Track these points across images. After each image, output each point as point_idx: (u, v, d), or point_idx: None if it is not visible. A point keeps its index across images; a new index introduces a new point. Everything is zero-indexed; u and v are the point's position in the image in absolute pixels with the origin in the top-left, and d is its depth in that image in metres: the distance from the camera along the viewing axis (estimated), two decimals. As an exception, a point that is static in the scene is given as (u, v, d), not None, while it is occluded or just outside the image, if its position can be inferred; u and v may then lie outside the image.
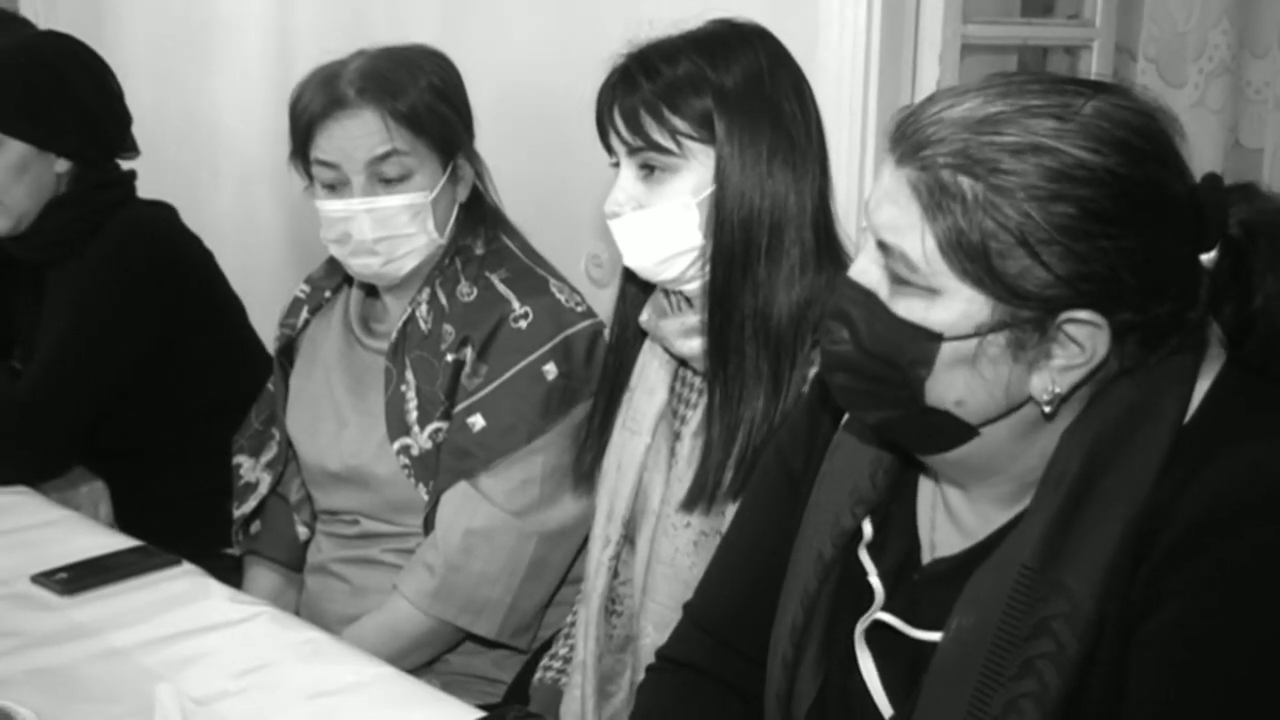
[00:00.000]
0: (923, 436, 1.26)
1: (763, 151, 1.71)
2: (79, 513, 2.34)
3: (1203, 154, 3.20)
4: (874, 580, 1.35)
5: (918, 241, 1.16)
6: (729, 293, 1.72)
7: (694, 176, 1.73)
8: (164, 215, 2.65)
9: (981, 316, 1.16)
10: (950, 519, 1.34)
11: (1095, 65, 2.92)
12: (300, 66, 2.22)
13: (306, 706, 1.67)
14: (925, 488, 1.38)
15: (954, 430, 1.23)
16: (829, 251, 1.76)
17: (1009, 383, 1.19)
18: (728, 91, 1.71)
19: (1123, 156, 1.13)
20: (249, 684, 1.71)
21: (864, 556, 1.37)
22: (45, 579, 1.97)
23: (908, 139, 1.19)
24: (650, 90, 1.71)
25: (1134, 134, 1.15)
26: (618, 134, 1.75)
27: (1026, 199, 1.12)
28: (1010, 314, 1.15)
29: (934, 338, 1.18)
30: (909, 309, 1.19)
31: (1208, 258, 1.19)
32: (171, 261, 2.57)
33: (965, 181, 1.14)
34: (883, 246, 1.20)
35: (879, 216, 1.21)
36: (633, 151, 1.74)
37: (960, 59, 2.60)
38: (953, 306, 1.17)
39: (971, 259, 1.14)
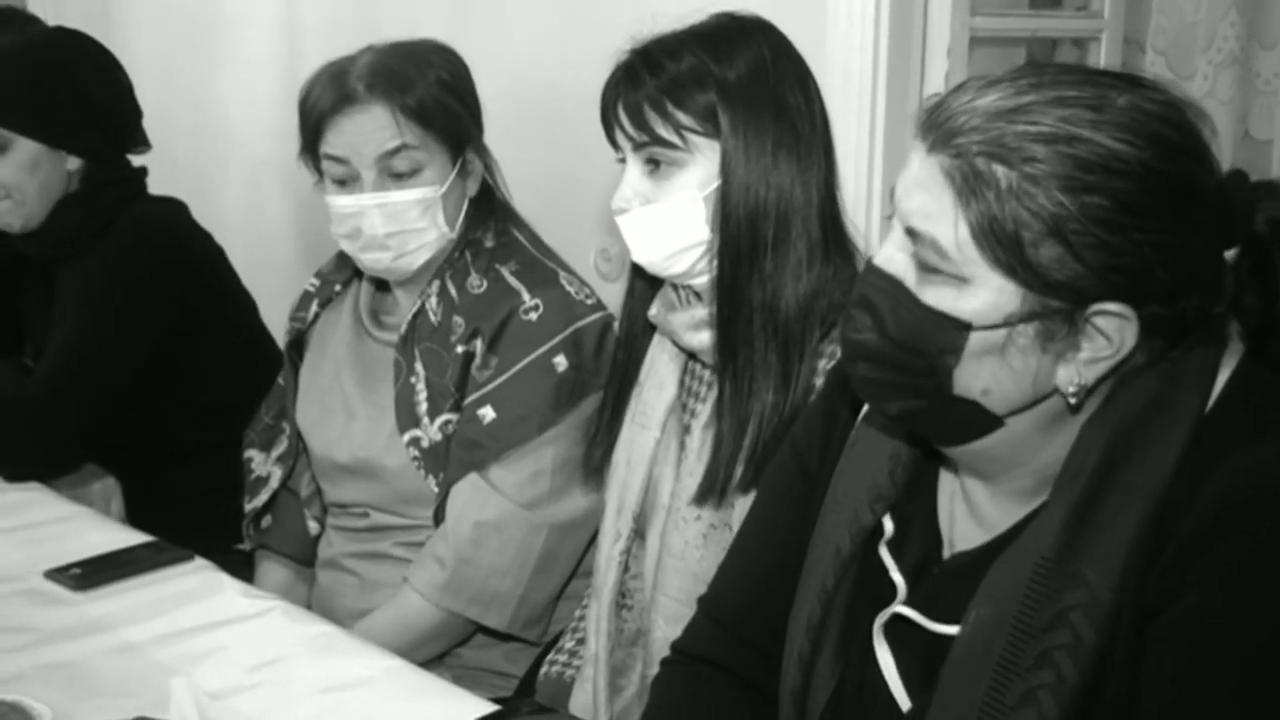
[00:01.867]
0: (946, 427, 1.26)
1: (767, 144, 1.71)
2: (91, 509, 2.34)
3: (1212, 146, 3.20)
4: (895, 576, 1.35)
5: (950, 228, 1.16)
6: (736, 286, 1.72)
7: (700, 171, 1.73)
8: (174, 211, 2.65)
9: (1011, 306, 1.16)
10: (970, 513, 1.34)
11: (1104, 57, 2.92)
12: (308, 63, 2.23)
13: (319, 700, 1.67)
14: (945, 483, 1.38)
15: (979, 420, 1.22)
16: (836, 243, 1.76)
17: (1037, 373, 1.18)
18: (731, 85, 1.71)
19: (1157, 150, 1.13)
20: (262, 678, 1.71)
21: (884, 553, 1.37)
22: (59, 575, 1.97)
23: (939, 127, 1.18)
24: (654, 85, 1.71)
25: (1168, 127, 1.15)
26: (623, 130, 1.75)
27: (1060, 188, 1.12)
28: (1040, 304, 1.15)
29: (963, 327, 1.17)
30: (937, 297, 1.18)
31: (1229, 254, 1.19)
32: (182, 258, 2.57)
33: (999, 169, 1.14)
34: (912, 233, 1.20)
35: (908, 203, 1.20)
36: (638, 147, 1.75)
37: (969, 51, 2.60)
38: (982, 295, 1.16)
39: (1004, 247, 1.14)
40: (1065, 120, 1.13)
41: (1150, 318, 1.16)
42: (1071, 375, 1.18)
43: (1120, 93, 1.15)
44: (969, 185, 1.15)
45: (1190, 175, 1.15)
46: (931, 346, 1.19)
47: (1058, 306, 1.15)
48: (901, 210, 1.21)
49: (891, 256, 1.23)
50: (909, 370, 1.21)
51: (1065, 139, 1.13)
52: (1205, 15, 3.20)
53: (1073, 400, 1.19)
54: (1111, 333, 1.16)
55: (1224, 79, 3.20)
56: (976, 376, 1.19)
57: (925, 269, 1.19)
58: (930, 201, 1.18)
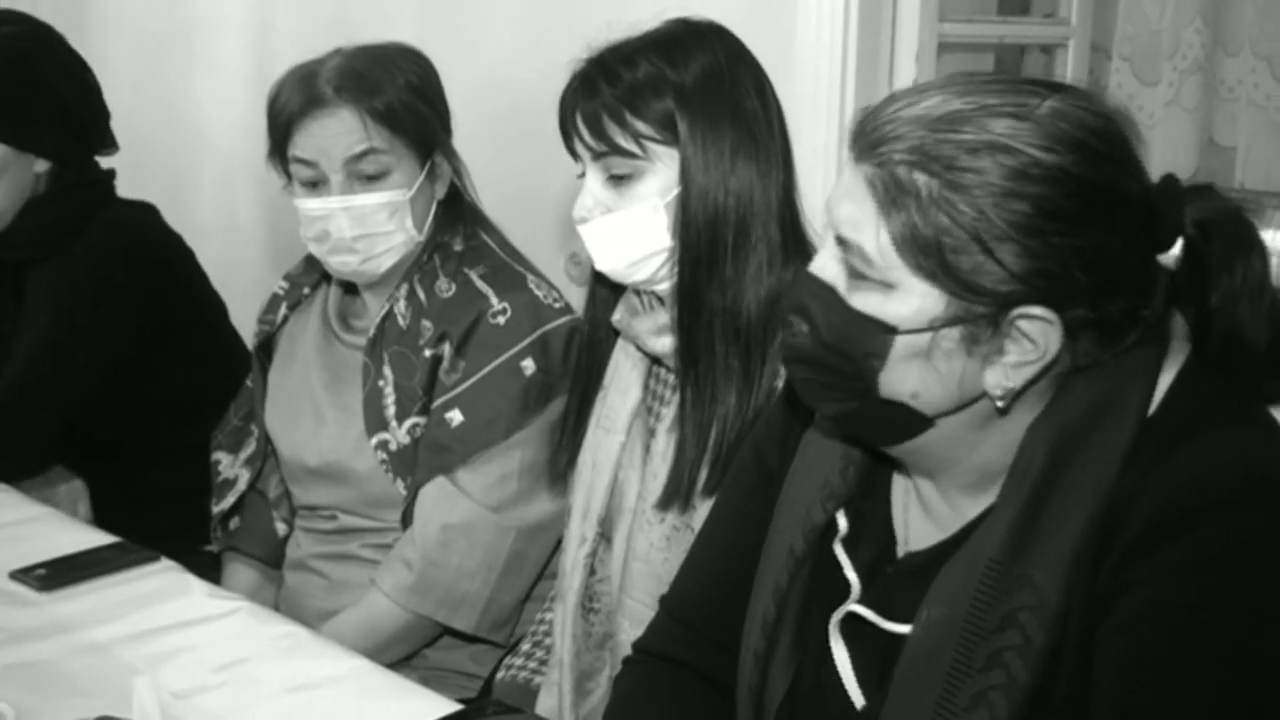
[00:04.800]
0: (880, 428, 1.28)
1: (725, 149, 1.72)
2: (58, 510, 2.33)
3: (1177, 152, 3.23)
4: (850, 574, 1.36)
5: (873, 236, 1.18)
6: (697, 292, 1.72)
7: (659, 179, 1.73)
8: (146, 215, 2.65)
9: (936, 311, 1.18)
10: (924, 512, 1.36)
11: (1071, 64, 2.94)
12: (281, 65, 2.23)
13: (285, 700, 1.67)
14: (898, 483, 1.39)
15: (909, 422, 1.24)
16: (796, 246, 1.76)
17: (963, 376, 1.20)
18: (688, 90, 1.71)
19: (1078, 156, 1.15)
20: (228, 678, 1.71)
21: (839, 551, 1.38)
22: (24, 575, 1.96)
23: (866, 136, 1.20)
24: (611, 94, 1.71)
25: (1090, 134, 1.16)
26: (581, 140, 1.75)
27: (982, 196, 1.14)
28: (964, 309, 1.17)
29: (889, 331, 1.19)
30: (865, 303, 1.21)
31: (1170, 257, 1.21)
32: (153, 262, 2.57)
33: (920, 178, 1.16)
34: (841, 242, 1.22)
35: (838, 212, 1.22)
36: (597, 156, 1.74)
37: (937, 58, 2.62)
38: (908, 301, 1.18)
39: (925, 254, 1.16)
40: (987, 129, 1.15)
41: (1075, 321, 1.18)
42: (999, 378, 1.20)
43: (1043, 100, 1.17)
44: (889, 195, 1.17)
45: (1112, 181, 1.17)
46: (859, 350, 1.21)
47: (982, 311, 1.17)
48: (832, 219, 1.23)
49: (825, 264, 1.25)
50: (841, 373, 1.23)
51: (986, 147, 1.14)
52: (1170, 22, 3.23)
53: (1000, 404, 1.21)
54: (1036, 336, 1.18)
55: (1189, 86, 3.23)
56: (904, 380, 1.21)
57: (854, 276, 1.21)
58: (855, 210, 1.20)
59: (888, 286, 1.19)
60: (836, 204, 1.23)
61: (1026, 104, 1.16)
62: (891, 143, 1.17)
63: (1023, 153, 1.14)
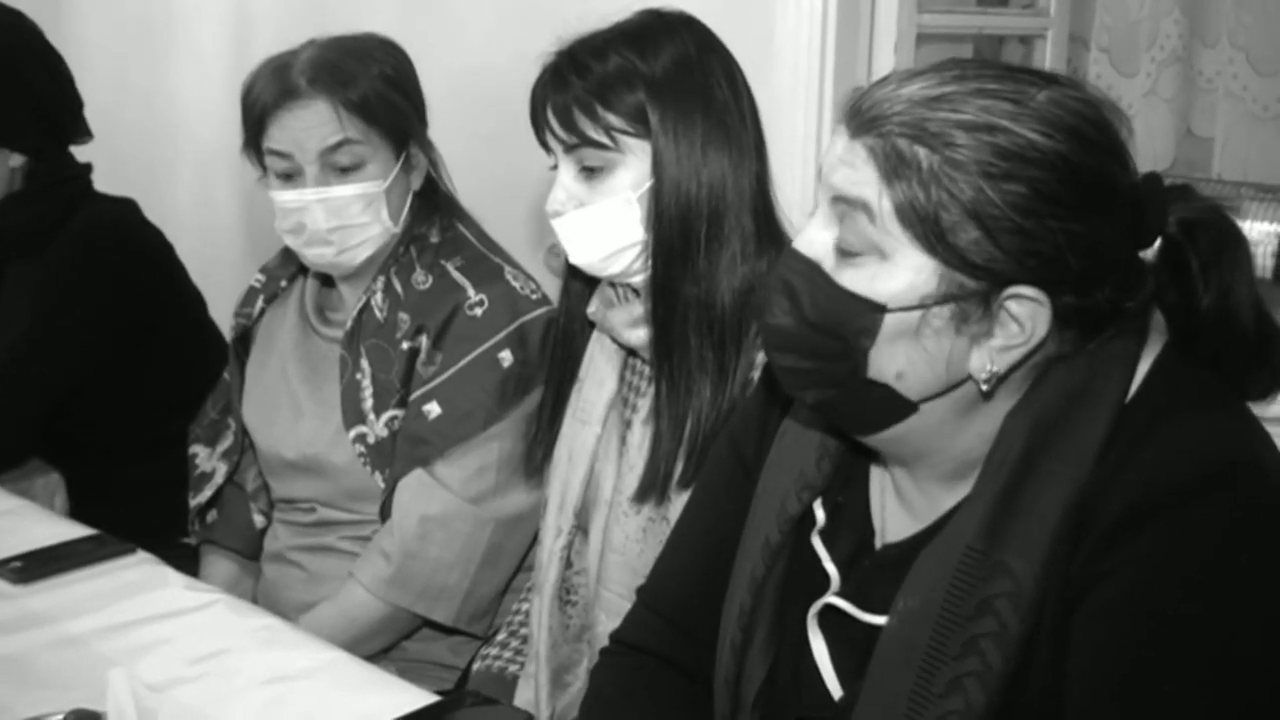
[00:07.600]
0: (862, 414, 1.27)
1: (696, 140, 1.71)
2: (35, 503, 2.33)
3: (1155, 142, 3.24)
4: (829, 566, 1.36)
5: (875, 197, 1.18)
6: (670, 285, 1.72)
7: (631, 172, 1.73)
8: (126, 211, 2.64)
9: (928, 288, 1.18)
10: (901, 504, 1.36)
11: (1049, 54, 2.95)
12: (258, 56, 2.22)
13: (262, 692, 1.67)
14: (875, 475, 1.40)
15: (893, 406, 1.24)
16: (770, 236, 1.76)
17: (950, 357, 1.20)
18: (659, 82, 1.71)
19: (1074, 143, 1.16)
20: (204, 670, 1.71)
21: (816, 543, 1.38)
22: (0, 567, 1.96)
23: (864, 113, 1.20)
24: (582, 87, 1.71)
25: (1085, 123, 1.17)
26: (553, 133, 1.74)
27: (980, 174, 1.15)
28: (957, 285, 1.17)
29: (878, 309, 1.19)
30: (854, 280, 1.20)
31: (1149, 253, 1.22)
32: (133, 260, 2.56)
33: (921, 151, 1.16)
34: (841, 200, 1.21)
35: (834, 177, 1.22)
36: (569, 149, 1.74)
37: (916, 48, 2.62)
38: (899, 276, 1.18)
39: (924, 223, 1.16)
40: (985, 110, 1.16)
41: (1063, 308, 1.18)
42: (984, 361, 1.20)
43: (1039, 89, 1.18)
44: (891, 164, 1.17)
45: (1105, 170, 1.18)
46: (848, 329, 1.21)
47: (974, 288, 1.17)
48: (828, 183, 1.23)
49: (812, 239, 1.24)
50: (825, 355, 1.23)
51: (985, 127, 1.15)
52: (1148, 13, 3.24)
53: (984, 387, 1.21)
54: (1024, 319, 1.18)
55: (1166, 76, 3.24)
56: (891, 359, 1.21)
57: (844, 250, 1.21)
58: (855, 174, 1.20)
59: (881, 256, 1.19)
60: (832, 170, 1.22)
61: (1025, 91, 1.17)
62: (891, 117, 1.18)
63: (1021, 135, 1.15)
